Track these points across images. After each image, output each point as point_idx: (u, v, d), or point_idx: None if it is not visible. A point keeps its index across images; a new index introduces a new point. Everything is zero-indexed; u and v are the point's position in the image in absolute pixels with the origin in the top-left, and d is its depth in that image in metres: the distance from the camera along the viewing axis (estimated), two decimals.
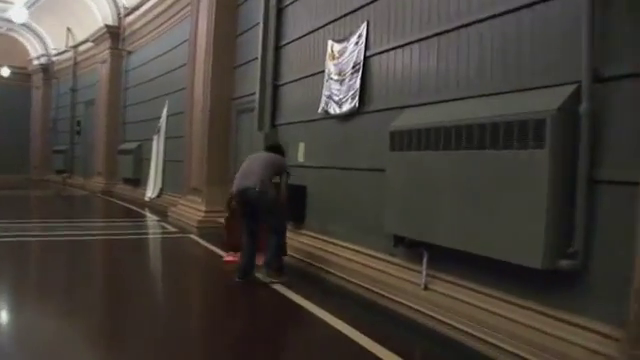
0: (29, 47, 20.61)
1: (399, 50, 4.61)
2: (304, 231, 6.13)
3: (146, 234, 8.83)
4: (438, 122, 3.75)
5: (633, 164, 2.67)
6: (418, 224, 3.96)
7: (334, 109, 5.42)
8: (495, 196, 3.23)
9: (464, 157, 3.49)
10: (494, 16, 3.58)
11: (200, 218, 8.27)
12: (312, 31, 6.24)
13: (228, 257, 5.81)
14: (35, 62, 20.76)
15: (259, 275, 4.89)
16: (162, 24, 11.81)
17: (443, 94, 4.03)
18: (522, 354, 3.07)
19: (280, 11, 7.05)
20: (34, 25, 18.70)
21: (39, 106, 20.80)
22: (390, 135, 4.23)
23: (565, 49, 3.07)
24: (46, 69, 20.14)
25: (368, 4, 5.10)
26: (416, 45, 4.39)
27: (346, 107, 5.19)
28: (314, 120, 6.01)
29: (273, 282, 4.79)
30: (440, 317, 3.74)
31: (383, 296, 4.39)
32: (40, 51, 20.14)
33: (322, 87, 5.79)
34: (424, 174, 3.88)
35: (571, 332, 2.89)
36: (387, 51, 4.78)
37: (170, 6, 11.19)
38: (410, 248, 4.20)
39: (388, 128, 4.29)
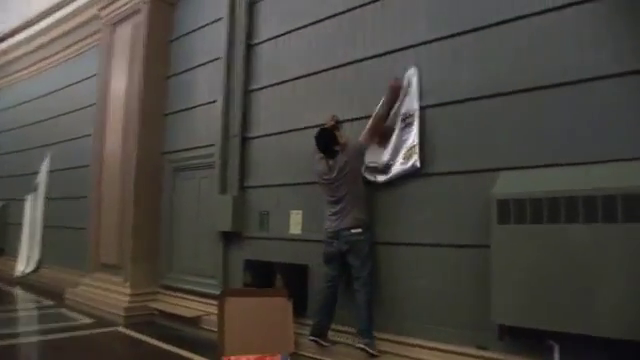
0: None
1: (484, 101, 4.00)
2: (307, 320, 5.02)
3: (48, 330, 6.33)
4: (590, 189, 3.21)
5: None
6: (552, 311, 3.31)
7: (375, 177, 4.53)
8: None
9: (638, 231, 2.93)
10: None
11: (126, 305, 6.59)
12: (314, 73, 5.33)
13: None
14: None
15: (362, 346, 4.21)
16: (45, 58, 9.85)
17: (568, 156, 3.55)
18: None
19: (250, 48, 5.93)
20: None
21: None
22: (498, 204, 3.51)
23: None
24: None
25: (420, 45, 4.29)
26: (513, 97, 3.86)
27: (397, 169, 4.36)
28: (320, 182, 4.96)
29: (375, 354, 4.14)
30: None
31: None
32: None
33: None
34: (564, 252, 3.27)
35: None
36: (461, 102, 4.10)
37: (59, 37, 9.35)
38: (524, 340, 3.54)
39: (493, 195, 3.64)
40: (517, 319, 3.48)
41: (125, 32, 7.43)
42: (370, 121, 4.44)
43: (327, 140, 4.47)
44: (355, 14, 5.05)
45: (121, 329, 6.20)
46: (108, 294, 6.98)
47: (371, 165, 4.58)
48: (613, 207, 3.06)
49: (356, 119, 4.83)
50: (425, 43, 4.41)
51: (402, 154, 4.34)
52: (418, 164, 4.23)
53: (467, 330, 3.89)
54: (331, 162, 4.44)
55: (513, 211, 3.47)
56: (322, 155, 4.55)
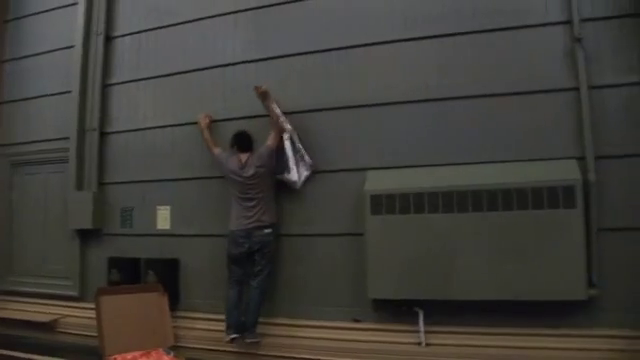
0: None
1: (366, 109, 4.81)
2: (181, 313, 5.42)
3: None
4: (447, 186, 4.22)
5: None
6: (419, 284, 4.26)
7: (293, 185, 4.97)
8: (529, 248, 3.94)
9: (484, 218, 4.07)
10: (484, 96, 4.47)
11: None
12: (179, 72, 5.75)
13: None
14: None
15: (252, 340, 4.72)
16: None
17: (427, 159, 4.56)
18: None
19: (110, 40, 6.11)
20: None
21: None
22: (371, 198, 4.39)
23: (569, 130, 4.18)
24: None
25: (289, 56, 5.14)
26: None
27: (302, 175, 4.96)
28: (197, 178, 5.51)
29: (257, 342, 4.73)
30: None
31: None
32: None
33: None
34: (428, 236, 4.23)
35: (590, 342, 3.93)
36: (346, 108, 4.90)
37: None
38: (394, 310, 4.48)
39: (366, 191, 4.46)
40: (389, 293, 4.39)
41: None
42: (272, 127, 4.82)
43: (249, 140, 4.91)
44: (225, 19, 5.55)
45: None
46: None
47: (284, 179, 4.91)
48: (465, 200, 4.10)
49: (227, 120, 5.35)
50: (295, 55, 5.11)
51: (296, 161, 4.88)
52: (309, 159, 4.85)
53: (345, 307, 4.70)
54: (244, 160, 4.79)
55: (384, 204, 4.34)
56: (235, 153, 4.90)
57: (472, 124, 4.44)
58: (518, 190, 3.99)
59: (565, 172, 3.96)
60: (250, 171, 4.73)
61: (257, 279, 4.71)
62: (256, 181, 4.71)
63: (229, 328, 4.70)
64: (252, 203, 4.69)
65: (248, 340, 4.66)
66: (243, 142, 4.89)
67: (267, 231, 4.68)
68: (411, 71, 4.69)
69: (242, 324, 4.70)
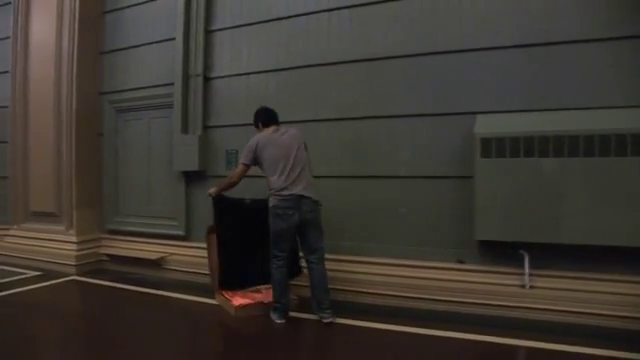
0: None
1: (475, 53, 5.18)
2: None
3: None
4: (558, 130, 4.57)
5: None
6: (526, 227, 4.69)
7: None
8: None
9: (594, 164, 4.42)
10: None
11: (76, 253, 7.16)
12: (284, 17, 6.27)
13: (236, 298, 5.19)
14: None
15: (325, 315, 4.68)
16: None
17: (537, 103, 4.91)
18: None
19: None
20: None
21: None
22: (481, 141, 4.79)
23: None
24: None
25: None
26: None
27: None
28: (300, 121, 5.95)
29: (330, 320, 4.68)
30: (567, 308, 4.62)
31: (477, 304, 4.96)
32: None
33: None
34: (537, 180, 4.63)
35: None
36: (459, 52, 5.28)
37: None
38: (499, 252, 4.92)
39: (477, 134, 4.87)
40: (496, 235, 4.83)
41: None
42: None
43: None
44: None
45: (78, 278, 6.72)
46: (48, 244, 7.43)
47: None
48: (576, 145, 4.46)
49: (331, 64, 5.91)
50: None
51: None
52: None
53: (449, 248, 5.22)
54: (276, 129, 4.93)
55: (494, 147, 4.75)
56: (269, 128, 4.97)
57: (583, 69, 4.75)
58: (633, 135, 4.30)
59: None
60: (290, 138, 4.81)
61: (317, 255, 4.72)
62: (297, 149, 4.74)
63: (280, 312, 4.73)
64: (297, 170, 4.67)
65: (328, 320, 4.62)
66: (274, 115, 5.07)
67: (315, 199, 4.68)
68: (518, 15, 5.02)
69: (288, 306, 4.77)
